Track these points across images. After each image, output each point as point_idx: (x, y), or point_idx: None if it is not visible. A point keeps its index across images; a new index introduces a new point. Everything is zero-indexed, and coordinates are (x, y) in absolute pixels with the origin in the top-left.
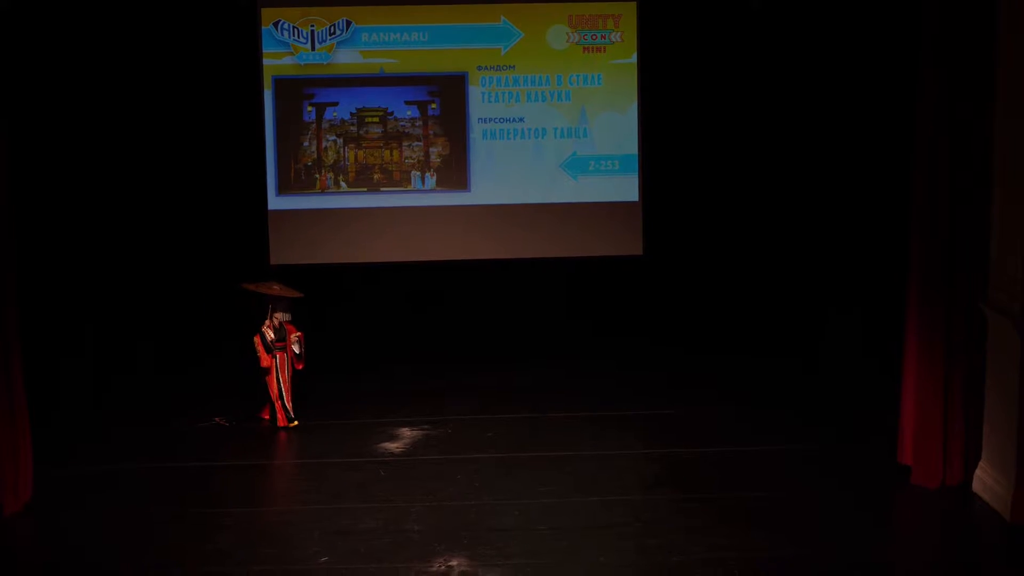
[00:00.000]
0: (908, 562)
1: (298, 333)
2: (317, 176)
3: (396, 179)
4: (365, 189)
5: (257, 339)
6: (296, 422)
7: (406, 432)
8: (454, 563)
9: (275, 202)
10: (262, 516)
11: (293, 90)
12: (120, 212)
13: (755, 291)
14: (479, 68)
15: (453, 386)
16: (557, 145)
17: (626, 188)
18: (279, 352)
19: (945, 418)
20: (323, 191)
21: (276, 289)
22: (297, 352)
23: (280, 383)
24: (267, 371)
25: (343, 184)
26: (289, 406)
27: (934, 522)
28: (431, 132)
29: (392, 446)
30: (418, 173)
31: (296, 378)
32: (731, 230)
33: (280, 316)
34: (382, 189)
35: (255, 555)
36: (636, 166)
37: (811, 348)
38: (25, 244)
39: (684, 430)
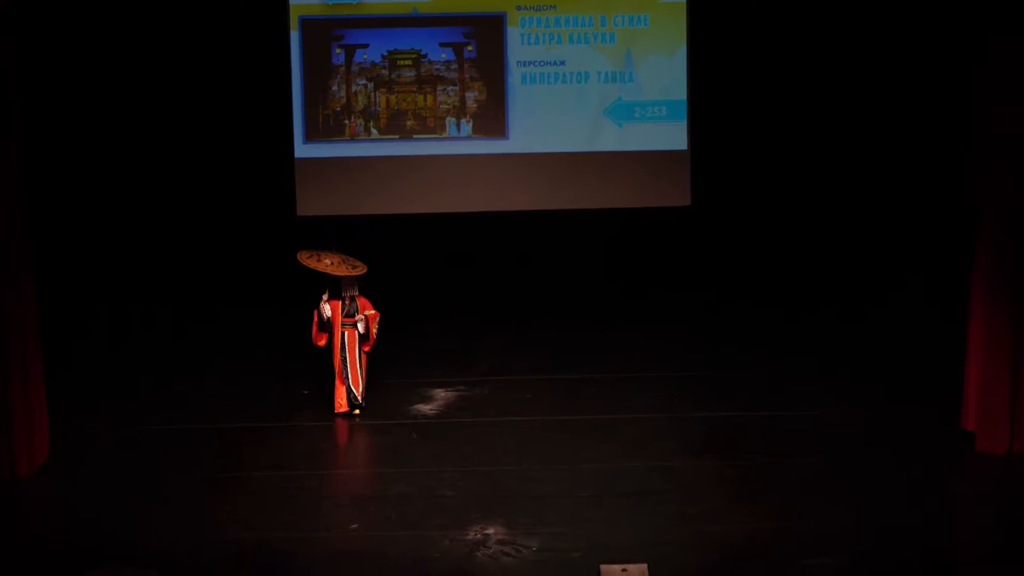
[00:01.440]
0: (971, 533)
1: (372, 312)
2: (346, 122)
3: (430, 126)
4: (397, 136)
5: (315, 314)
6: (358, 411)
7: (440, 393)
8: (490, 531)
9: (302, 150)
10: (287, 480)
11: (321, 31)
12: (139, 164)
13: (809, 245)
14: (518, 8)
15: (490, 345)
16: (601, 90)
17: (673, 136)
18: (348, 329)
19: (1013, 382)
20: (352, 138)
21: (329, 265)
22: (361, 332)
23: (346, 364)
24: (327, 351)
25: (374, 131)
26: (356, 391)
27: (1000, 490)
28: (467, 76)
29: (425, 408)
30: (453, 119)
31: (366, 362)
32: (784, 180)
33: (349, 290)
34: (415, 136)
35: (279, 521)
36: (684, 113)
37: (868, 306)
38: (43, 202)
39: (731, 393)
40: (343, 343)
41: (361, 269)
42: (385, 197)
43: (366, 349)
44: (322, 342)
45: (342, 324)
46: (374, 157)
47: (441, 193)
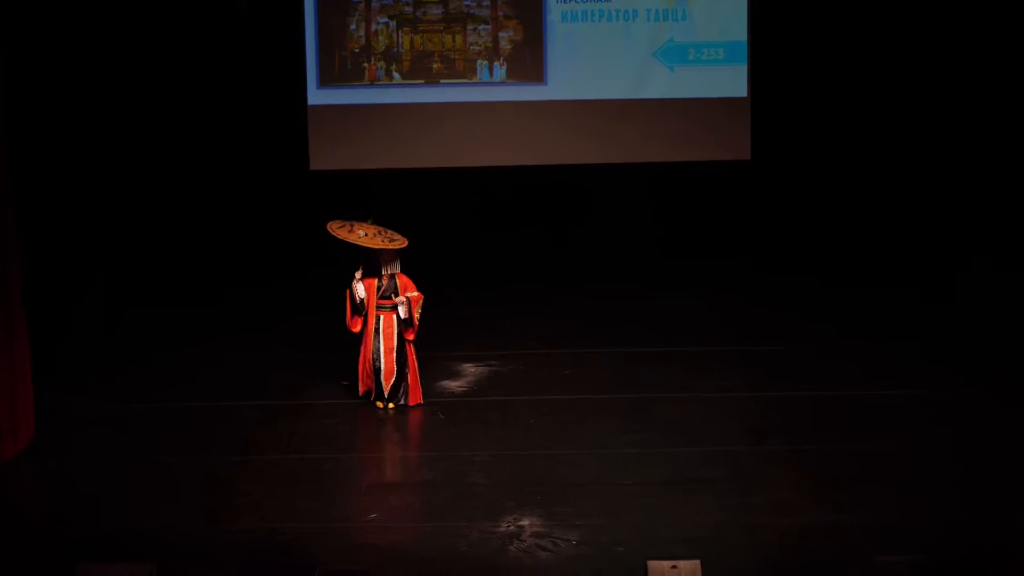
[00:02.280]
0: None
1: (414, 293)
2: (366, 65)
3: (459, 69)
4: (422, 81)
5: (347, 295)
6: (392, 406)
7: (469, 369)
8: (524, 523)
9: (316, 96)
10: (299, 464)
11: None
12: (136, 114)
13: (880, 207)
14: None
15: (524, 315)
16: (650, 30)
17: (732, 81)
18: (384, 313)
19: None
20: (372, 83)
21: (362, 237)
22: (403, 316)
23: (379, 353)
24: (358, 338)
25: (396, 75)
26: (386, 384)
27: None
28: (501, 13)
29: (453, 385)
30: (485, 62)
31: (406, 353)
32: (854, 133)
33: (387, 267)
34: (442, 81)
35: (291, 510)
36: (744, 55)
37: (945, 277)
38: (32, 159)
39: (795, 370)
40: (377, 329)
41: (400, 243)
42: (408, 149)
43: (409, 337)
44: (357, 327)
45: (377, 307)
46: (396, 104)
47: (470, 145)
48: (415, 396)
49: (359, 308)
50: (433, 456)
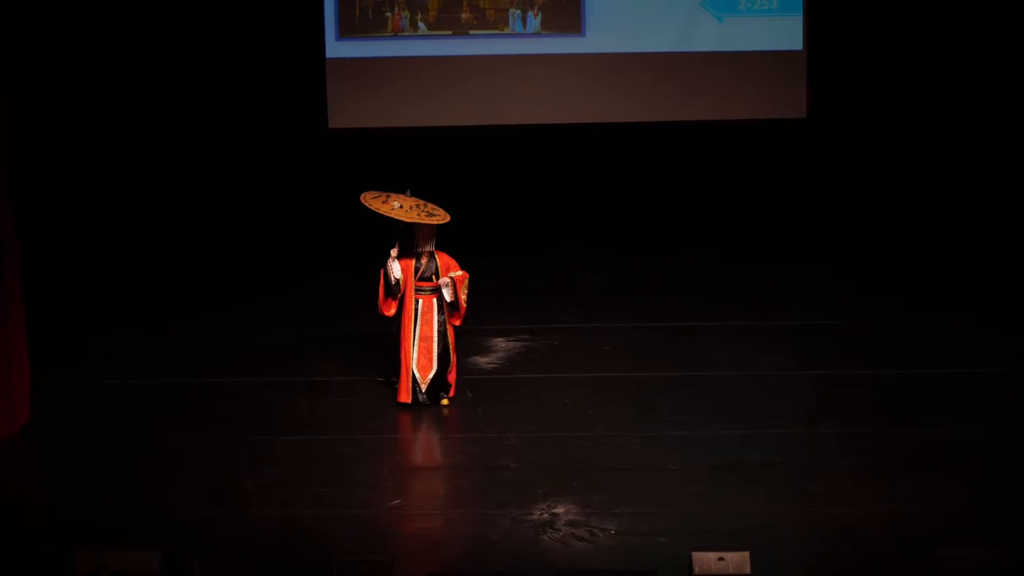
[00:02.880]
0: None
1: (459, 273)
2: (388, 15)
3: (490, 19)
4: (449, 32)
5: (381, 275)
6: (446, 401)
7: (500, 344)
8: (559, 510)
9: (335, 48)
10: (317, 446)
11: None
12: (144, 71)
13: (946, 168)
14: None
15: (560, 285)
16: None
17: (786, 33)
18: (424, 296)
19: None
20: (396, 34)
21: (397, 209)
22: (448, 300)
23: (416, 341)
24: (395, 324)
25: (421, 25)
26: (423, 378)
27: None
28: None
29: (483, 361)
30: (518, 12)
31: (448, 343)
32: (919, 88)
33: (426, 245)
34: (471, 32)
35: (308, 495)
36: (799, 5)
37: (1015, 245)
38: (34, 114)
39: (852, 346)
40: (416, 313)
41: (440, 217)
42: (434, 106)
43: (455, 323)
44: (391, 311)
45: (416, 289)
46: (421, 58)
47: (502, 101)
48: (452, 391)
49: (394, 290)
50: (461, 438)
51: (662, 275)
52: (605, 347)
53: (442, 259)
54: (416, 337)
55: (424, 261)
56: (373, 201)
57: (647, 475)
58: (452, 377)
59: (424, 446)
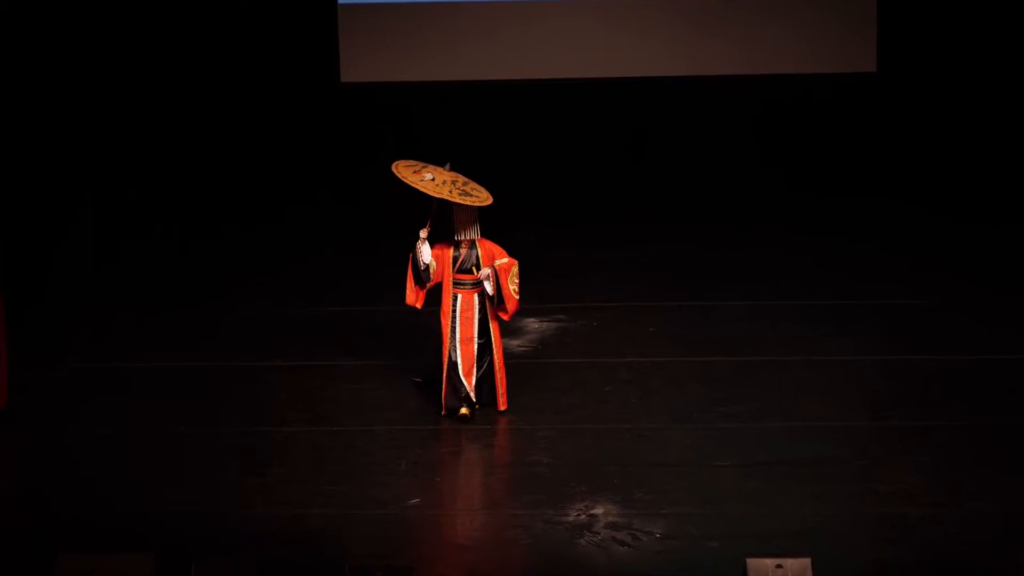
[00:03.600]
0: None
1: (504, 260)
2: None
3: None
4: None
5: (409, 259)
6: (466, 410)
7: (532, 325)
8: (598, 511)
9: None
10: (325, 439)
11: None
12: (133, 22)
13: None
14: None
15: (599, 260)
16: None
17: None
18: (463, 291)
19: None
20: None
21: (428, 182)
22: (490, 293)
23: (456, 341)
24: (435, 315)
25: None
26: (468, 382)
27: None
28: None
29: (513, 344)
30: None
31: (491, 342)
32: (999, 42)
33: (466, 231)
34: None
35: (316, 493)
36: None
37: None
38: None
39: (925, 330)
40: (455, 311)
41: (476, 199)
42: (456, 58)
43: (504, 317)
44: (419, 302)
45: (454, 282)
46: (444, 3)
47: (534, 53)
48: (503, 400)
49: (423, 277)
50: (487, 430)
51: (713, 249)
52: (649, 328)
53: (485, 248)
54: (456, 339)
55: (464, 250)
56: (405, 170)
57: (696, 471)
58: (503, 386)
59: (446, 439)
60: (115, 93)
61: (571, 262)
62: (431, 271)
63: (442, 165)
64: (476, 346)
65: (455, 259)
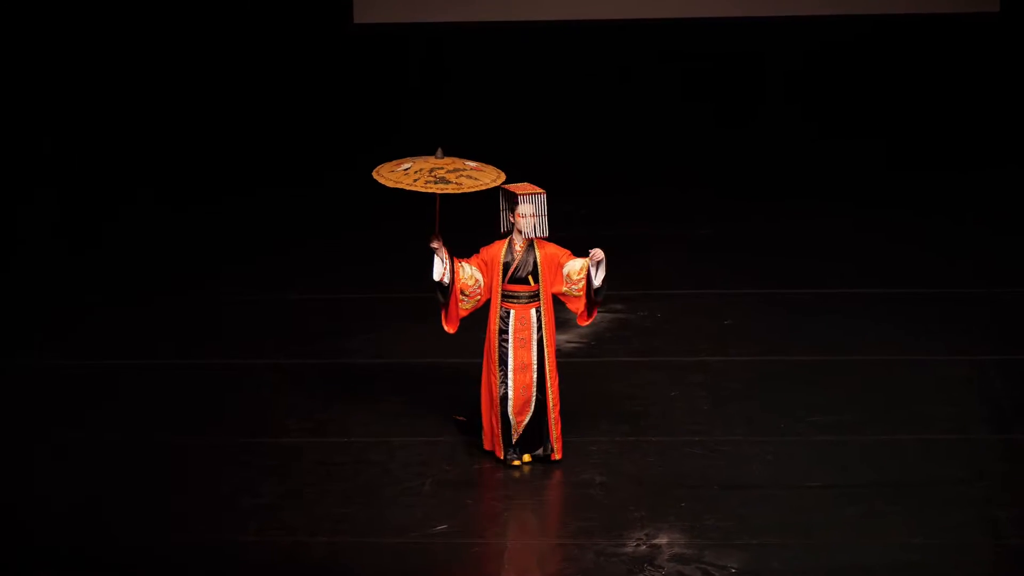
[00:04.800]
0: None
1: (591, 256)
2: None
3: None
4: None
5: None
6: (518, 460)
7: None
8: (662, 541)
9: None
10: (334, 452)
11: None
12: None
13: None
14: None
15: (664, 238)
16: None
17: None
18: (517, 306)
19: None
20: None
21: (406, 172)
22: (596, 285)
23: (507, 367)
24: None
25: None
26: (519, 421)
27: None
28: None
29: (561, 339)
30: None
31: (546, 373)
32: None
33: (520, 223)
34: None
35: (323, 517)
36: None
37: None
38: None
39: None
40: (505, 331)
41: (466, 184)
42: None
43: (582, 322)
44: (450, 325)
45: (504, 295)
46: None
47: None
48: (559, 444)
49: (443, 294)
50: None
51: (804, 225)
52: (725, 321)
53: (546, 251)
54: (509, 367)
55: (518, 252)
56: (385, 172)
57: (780, 494)
58: (558, 429)
59: (477, 454)
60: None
61: (629, 241)
62: (449, 289)
63: (434, 152)
64: (535, 376)
65: (506, 266)
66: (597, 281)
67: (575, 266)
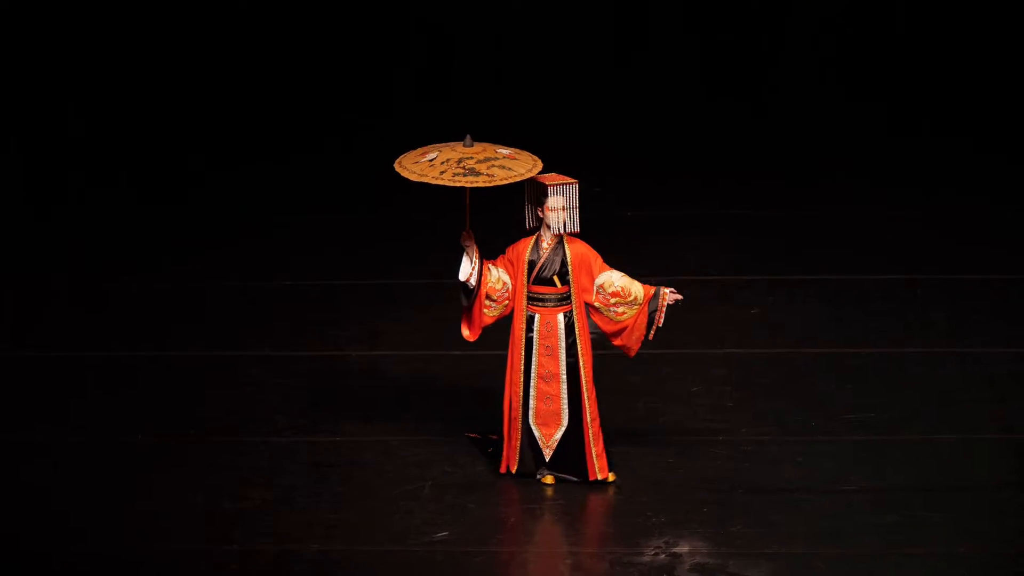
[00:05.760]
0: None
1: (662, 296)
2: None
3: None
4: None
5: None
6: (548, 478)
7: None
8: (683, 549)
9: None
10: (327, 453)
11: None
12: None
13: None
14: None
15: (682, 217)
16: None
17: None
18: (543, 310)
19: None
20: None
21: (431, 163)
22: (658, 324)
23: (532, 384)
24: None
25: None
26: (546, 440)
27: None
28: None
29: None
30: None
31: (584, 381)
32: None
33: (548, 218)
34: None
35: (313, 523)
36: None
37: None
38: None
39: None
40: (529, 337)
41: (498, 176)
42: None
43: (630, 352)
44: (471, 332)
45: (529, 297)
46: None
47: None
48: (600, 463)
49: (467, 297)
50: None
51: (837, 211)
52: (752, 310)
53: (576, 249)
54: (532, 375)
55: (545, 250)
56: (408, 163)
57: (812, 499)
58: (600, 445)
59: (481, 454)
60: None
61: (651, 223)
62: (475, 291)
63: (462, 139)
64: (564, 388)
65: (531, 264)
66: (659, 320)
67: (612, 280)
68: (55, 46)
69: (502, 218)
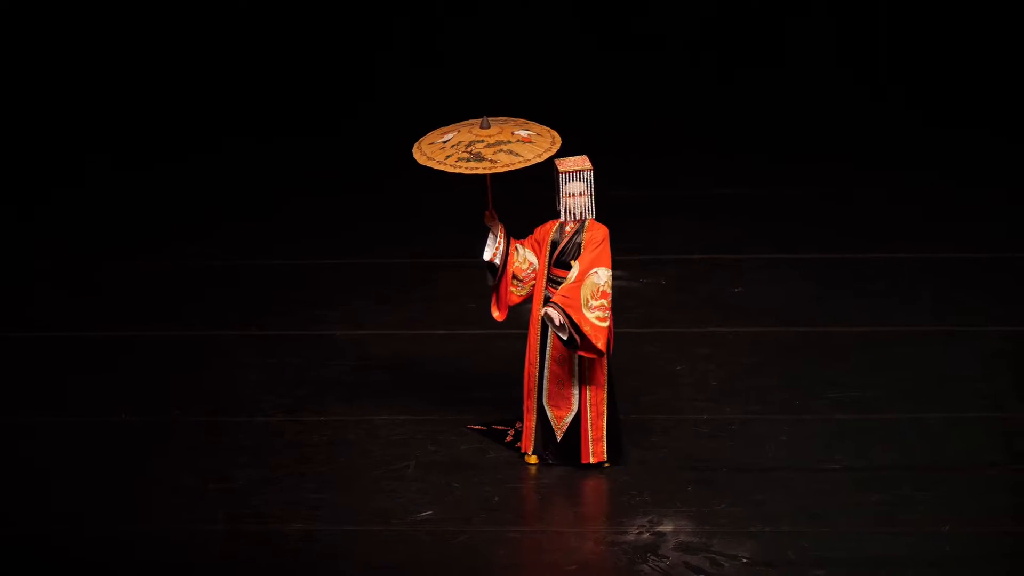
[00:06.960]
0: None
1: (573, 277)
2: None
3: None
4: None
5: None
6: (532, 458)
7: None
8: (666, 528)
9: None
10: (310, 432)
11: None
12: None
13: None
14: None
15: (670, 197)
16: None
17: None
18: (561, 293)
19: None
20: None
21: (444, 145)
22: (563, 338)
23: (546, 367)
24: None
25: None
26: (557, 420)
27: None
28: None
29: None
30: None
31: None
32: None
33: (567, 202)
34: None
35: (297, 502)
36: None
37: None
38: None
39: None
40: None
41: (504, 161)
42: None
43: (584, 354)
44: (499, 312)
45: (548, 279)
46: None
47: None
48: (596, 448)
49: (495, 275)
50: (520, 423)
51: (827, 191)
52: (735, 289)
53: (591, 235)
54: (547, 356)
55: (567, 233)
56: (426, 145)
57: (796, 478)
58: (599, 431)
59: (468, 433)
60: None
61: (633, 200)
62: (501, 269)
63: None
64: (575, 370)
65: (554, 244)
66: (562, 334)
67: (573, 276)
68: (50, 43)
69: (535, 197)
